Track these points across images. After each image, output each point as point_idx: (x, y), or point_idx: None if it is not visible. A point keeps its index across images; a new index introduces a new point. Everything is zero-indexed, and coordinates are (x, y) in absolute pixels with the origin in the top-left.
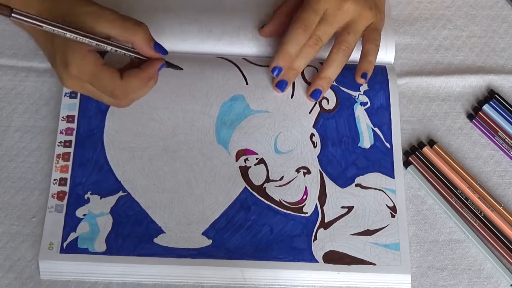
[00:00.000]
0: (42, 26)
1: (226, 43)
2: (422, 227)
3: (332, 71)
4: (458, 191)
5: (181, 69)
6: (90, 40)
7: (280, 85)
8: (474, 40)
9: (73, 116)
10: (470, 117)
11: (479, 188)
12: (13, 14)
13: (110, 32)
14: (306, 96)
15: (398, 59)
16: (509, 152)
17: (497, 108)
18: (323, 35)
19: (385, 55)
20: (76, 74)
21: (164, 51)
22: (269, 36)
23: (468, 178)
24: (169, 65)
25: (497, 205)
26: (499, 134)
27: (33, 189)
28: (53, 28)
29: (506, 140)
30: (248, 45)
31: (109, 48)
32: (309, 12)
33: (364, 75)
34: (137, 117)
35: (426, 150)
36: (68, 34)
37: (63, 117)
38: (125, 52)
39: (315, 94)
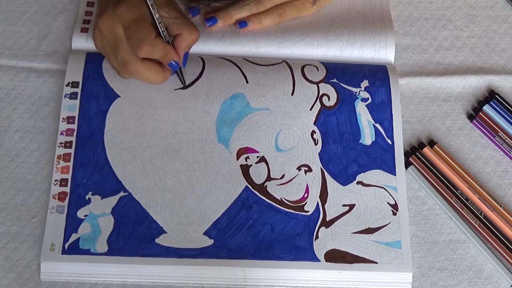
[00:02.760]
0: None
1: (226, 44)
2: (422, 228)
3: (237, 12)
4: (458, 191)
5: (185, 86)
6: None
7: (210, 21)
8: (475, 40)
9: (73, 117)
10: (471, 117)
11: (479, 189)
12: None
13: (171, 17)
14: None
15: (399, 59)
16: (509, 153)
17: (498, 108)
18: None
19: (385, 55)
20: (122, 11)
21: (184, 63)
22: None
23: (469, 178)
24: (180, 73)
25: (497, 205)
26: (500, 134)
27: (33, 189)
28: None
29: (507, 140)
30: (247, 45)
31: (156, 15)
32: None
33: (242, 23)
34: (137, 117)
35: (426, 150)
36: None
37: (63, 118)
38: (162, 31)
39: (210, 20)
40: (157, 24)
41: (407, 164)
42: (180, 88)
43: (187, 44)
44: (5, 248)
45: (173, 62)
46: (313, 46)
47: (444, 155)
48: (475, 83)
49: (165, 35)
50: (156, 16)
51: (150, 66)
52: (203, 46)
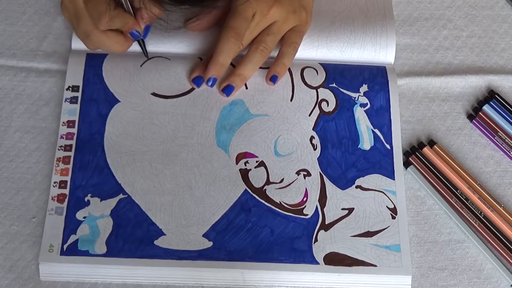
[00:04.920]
0: None
1: None
2: (422, 228)
3: (248, 69)
4: (458, 191)
5: (148, 58)
6: None
7: (227, 91)
8: (474, 40)
9: (73, 121)
10: (470, 117)
11: (479, 189)
12: None
13: None
14: (218, 91)
15: (398, 59)
16: (509, 153)
17: (497, 108)
18: (245, 42)
19: (385, 55)
20: None
21: (145, 35)
22: (194, 31)
23: (468, 178)
24: (142, 44)
25: (497, 205)
26: (499, 134)
27: (33, 189)
28: None
29: (506, 140)
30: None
31: None
32: (239, 20)
33: (273, 78)
34: (137, 121)
35: (426, 150)
36: None
37: (63, 122)
38: (125, 1)
39: (226, 90)
40: None
41: (407, 164)
42: (144, 62)
43: (149, 16)
44: (5, 248)
45: (134, 32)
46: (313, 46)
47: (444, 155)
48: (475, 83)
49: (126, 5)
50: None
51: (112, 36)
52: (202, 46)
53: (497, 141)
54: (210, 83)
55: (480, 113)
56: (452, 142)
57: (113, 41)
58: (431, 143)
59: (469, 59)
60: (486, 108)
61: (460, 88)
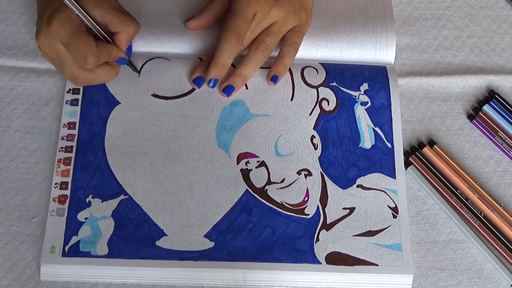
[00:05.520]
0: None
1: None
2: (422, 228)
3: (248, 70)
4: (458, 191)
5: (139, 72)
6: (74, 8)
7: (227, 91)
8: (474, 40)
9: (74, 123)
10: (470, 117)
11: (479, 189)
12: None
13: (106, 17)
14: (219, 91)
15: (398, 59)
16: (509, 153)
17: (497, 108)
18: (245, 42)
19: (386, 55)
20: (56, 30)
21: (129, 55)
22: (194, 30)
23: (468, 178)
24: (130, 63)
25: (497, 205)
26: (499, 134)
27: (33, 189)
28: None
29: (506, 140)
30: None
31: (85, 23)
32: (240, 21)
33: (274, 78)
34: (138, 123)
35: (426, 150)
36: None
37: (64, 124)
38: (101, 34)
39: (227, 90)
40: (94, 30)
41: (407, 164)
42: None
43: (127, 39)
44: (5, 248)
45: (120, 59)
46: (314, 46)
47: (444, 155)
48: (475, 83)
49: (104, 36)
50: (90, 23)
51: (99, 72)
52: (203, 46)
53: (497, 141)
54: (211, 84)
55: (480, 113)
56: (452, 142)
57: (102, 75)
58: (431, 143)
59: (469, 59)
60: (486, 108)
61: (460, 88)
